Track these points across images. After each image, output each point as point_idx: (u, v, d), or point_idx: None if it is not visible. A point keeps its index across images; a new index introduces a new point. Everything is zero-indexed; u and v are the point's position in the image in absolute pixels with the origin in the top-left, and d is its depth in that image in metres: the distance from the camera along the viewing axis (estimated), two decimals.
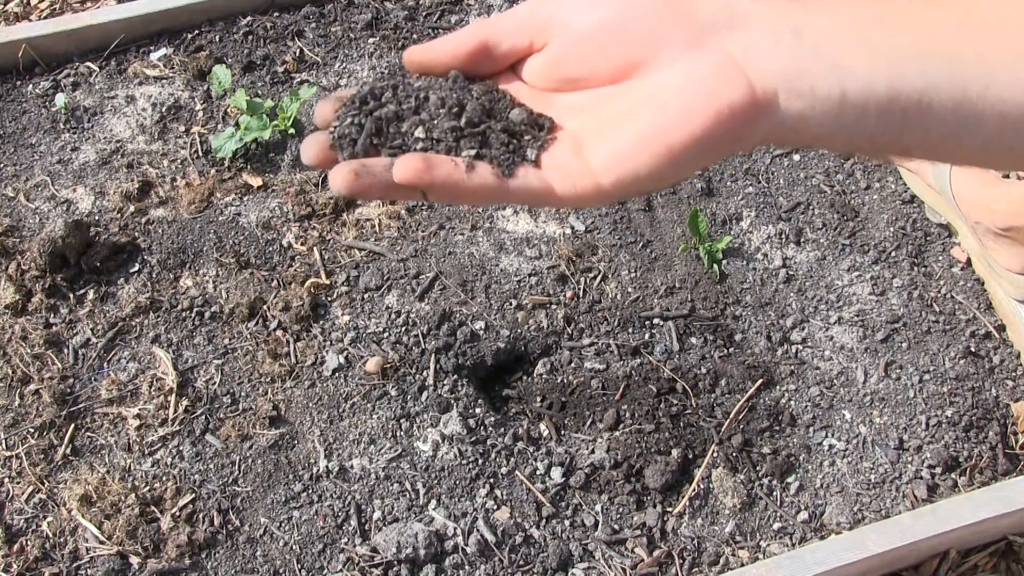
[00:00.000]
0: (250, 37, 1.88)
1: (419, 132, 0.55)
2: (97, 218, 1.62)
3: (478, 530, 1.28)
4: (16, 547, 1.28)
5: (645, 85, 0.54)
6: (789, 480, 1.34)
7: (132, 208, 1.63)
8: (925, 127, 0.52)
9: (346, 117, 0.56)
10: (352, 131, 0.55)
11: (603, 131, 0.54)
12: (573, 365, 1.44)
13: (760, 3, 0.54)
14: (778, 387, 1.42)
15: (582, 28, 0.56)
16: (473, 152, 0.54)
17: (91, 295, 1.52)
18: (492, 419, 1.38)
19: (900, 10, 0.54)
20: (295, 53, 1.86)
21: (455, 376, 1.41)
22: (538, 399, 1.41)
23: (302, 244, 1.58)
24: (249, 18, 1.90)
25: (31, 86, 1.82)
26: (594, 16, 0.56)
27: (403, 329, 1.47)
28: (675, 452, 1.34)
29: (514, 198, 0.54)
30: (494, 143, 0.55)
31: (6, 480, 1.34)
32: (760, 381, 1.41)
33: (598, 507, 1.31)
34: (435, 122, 0.56)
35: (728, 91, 0.51)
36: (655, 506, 1.31)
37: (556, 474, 1.32)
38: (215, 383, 1.42)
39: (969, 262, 1.56)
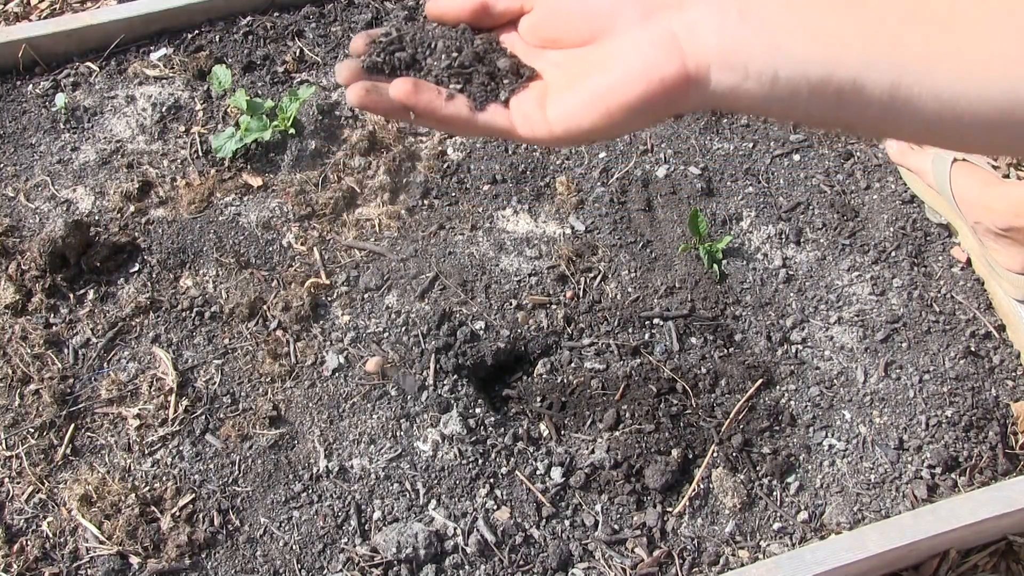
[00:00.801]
0: (250, 37, 1.88)
1: (425, 70, 0.69)
2: (97, 218, 1.62)
3: (478, 530, 1.28)
4: (16, 547, 1.28)
5: (601, 51, 0.62)
6: (789, 480, 1.34)
7: (132, 208, 1.63)
8: (861, 107, 0.55)
9: (374, 54, 0.70)
10: (377, 65, 0.69)
11: (563, 87, 0.64)
12: (573, 365, 1.44)
13: None
14: (778, 387, 1.42)
15: None
16: (458, 87, 0.66)
17: (91, 295, 1.52)
18: (492, 419, 1.38)
19: None
20: (295, 53, 1.86)
21: (455, 376, 1.41)
22: (538, 399, 1.41)
23: (302, 244, 1.58)
24: (249, 18, 1.90)
25: (31, 86, 1.82)
26: None
27: (403, 329, 1.47)
28: (675, 452, 1.34)
29: (482, 130, 0.65)
30: (475, 81, 0.67)
31: (6, 480, 1.34)
32: (760, 381, 1.41)
33: (598, 507, 1.31)
34: (437, 63, 0.69)
35: (663, 64, 0.57)
36: (655, 506, 1.31)
37: (556, 474, 1.32)
38: (215, 383, 1.42)
39: (969, 262, 1.56)
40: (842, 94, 0.54)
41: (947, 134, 0.57)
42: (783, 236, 1.59)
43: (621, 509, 1.30)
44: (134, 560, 1.26)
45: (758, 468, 1.34)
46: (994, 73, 0.51)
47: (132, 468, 1.35)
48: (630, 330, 1.47)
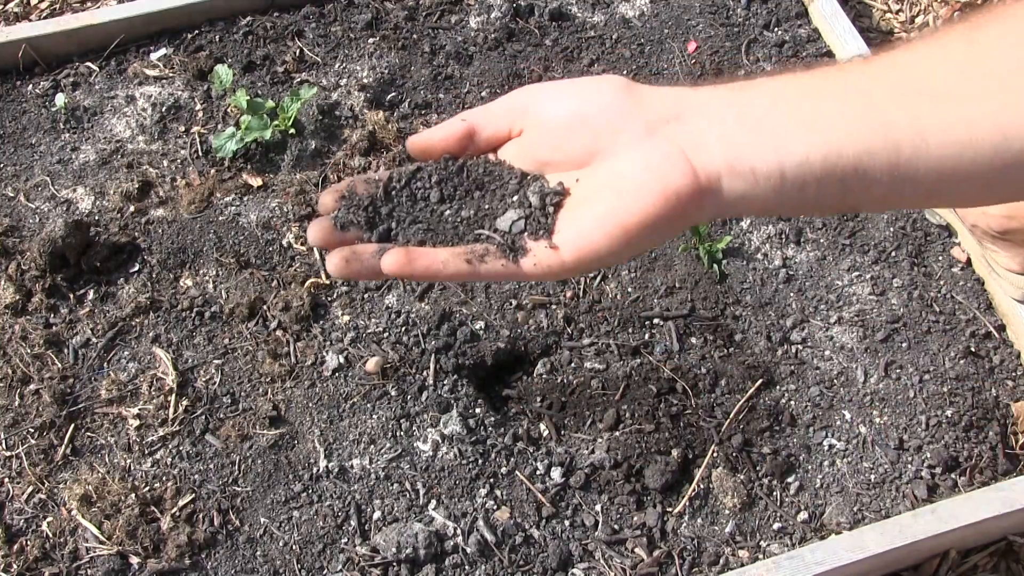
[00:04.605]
0: (250, 37, 1.88)
1: (406, 224, 0.65)
2: (97, 218, 1.62)
3: (478, 530, 1.28)
4: (16, 547, 1.28)
5: (604, 171, 0.61)
6: (789, 480, 1.34)
7: (132, 208, 1.63)
8: (865, 188, 0.56)
9: (344, 211, 0.65)
10: (348, 219, 0.65)
11: (567, 213, 0.61)
12: (573, 365, 1.44)
13: (706, 92, 0.60)
14: (778, 387, 1.42)
15: (552, 118, 0.63)
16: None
17: (91, 295, 1.52)
18: (492, 419, 1.38)
19: (838, 81, 0.57)
20: (295, 53, 1.86)
21: (455, 376, 1.41)
22: (538, 399, 1.41)
23: (302, 244, 1.58)
24: (249, 18, 1.90)
25: (31, 86, 1.82)
26: (562, 108, 0.63)
27: (403, 329, 1.47)
28: (675, 452, 1.34)
29: (485, 278, 0.62)
30: (466, 236, 0.63)
31: (6, 480, 1.34)
32: (760, 381, 1.41)
33: (598, 507, 1.31)
34: (419, 215, 0.65)
35: (675, 178, 0.57)
36: (655, 506, 1.31)
37: (556, 474, 1.32)
38: (215, 383, 1.42)
39: (969, 262, 1.56)
40: (846, 180, 0.55)
41: (948, 196, 0.59)
42: (783, 236, 1.59)
43: (621, 509, 1.30)
44: (134, 560, 1.26)
45: (758, 468, 1.34)
46: (981, 134, 0.53)
47: (132, 468, 1.35)
48: (630, 330, 1.47)
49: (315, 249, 1.57)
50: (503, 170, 0.65)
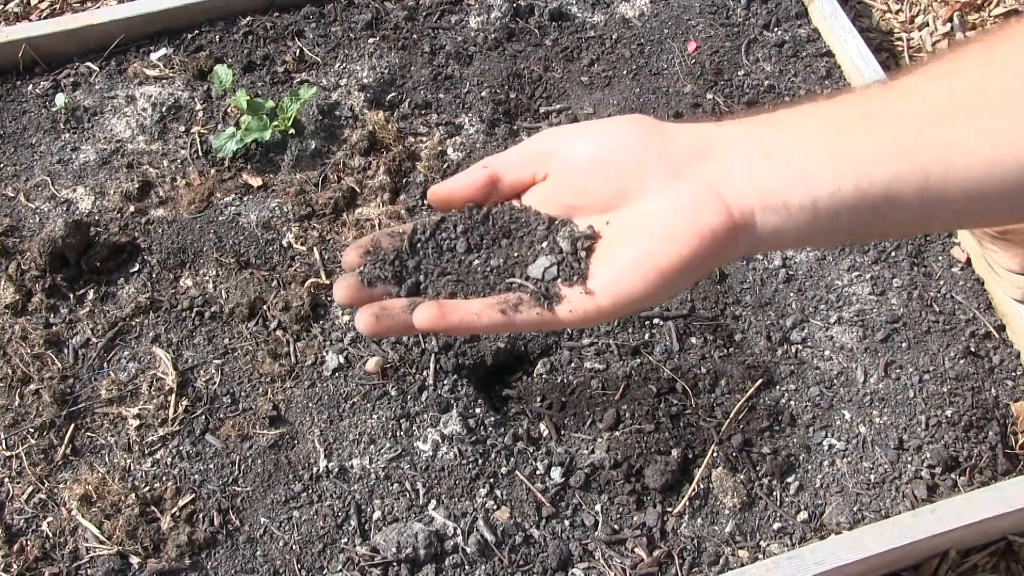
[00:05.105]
0: (250, 37, 1.88)
1: (435, 277, 0.64)
2: (97, 218, 1.62)
3: (478, 530, 1.28)
4: (16, 547, 1.28)
5: (634, 213, 0.60)
6: (789, 480, 1.34)
7: (132, 208, 1.63)
8: (896, 214, 0.56)
9: (370, 267, 0.64)
10: (379, 278, 0.64)
11: (599, 257, 0.60)
12: (573, 365, 1.44)
13: (729, 128, 0.60)
14: (778, 387, 1.42)
15: (576, 160, 0.62)
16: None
17: (91, 295, 1.52)
18: (492, 419, 1.38)
19: (860, 109, 0.57)
20: (295, 53, 1.86)
21: (455, 376, 1.41)
22: (538, 399, 1.41)
23: (302, 244, 1.58)
24: (249, 18, 1.90)
25: (31, 86, 1.82)
26: (587, 150, 0.62)
27: None
28: (675, 452, 1.34)
29: (520, 328, 0.61)
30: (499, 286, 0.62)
31: (6, 480, 1.34)
32: (760, 381, 1.41)
33: (598, 507, 1.31)
34: (447, 266, 0.63)
35: (708, 216, 0.56)
36: (655, 506, 1.31)
37: (556, 474, 1.32)
38: (215, 383, 1.43)
39: (969, 262, 1.56)
40: (878, 207, 0.55)
41: (978, 217, 0.58)
42: None
43: (621, 509, 1.31)
44: (134, 560, 1.26)
45: (758, 468, 1.34)
46: (1005, 153, 0.53)
47: (132, 468, 1.35)
48: (630, 330, 1.47)
49: (315, 249, 1.57)
50: (530, 216, 0.63)
